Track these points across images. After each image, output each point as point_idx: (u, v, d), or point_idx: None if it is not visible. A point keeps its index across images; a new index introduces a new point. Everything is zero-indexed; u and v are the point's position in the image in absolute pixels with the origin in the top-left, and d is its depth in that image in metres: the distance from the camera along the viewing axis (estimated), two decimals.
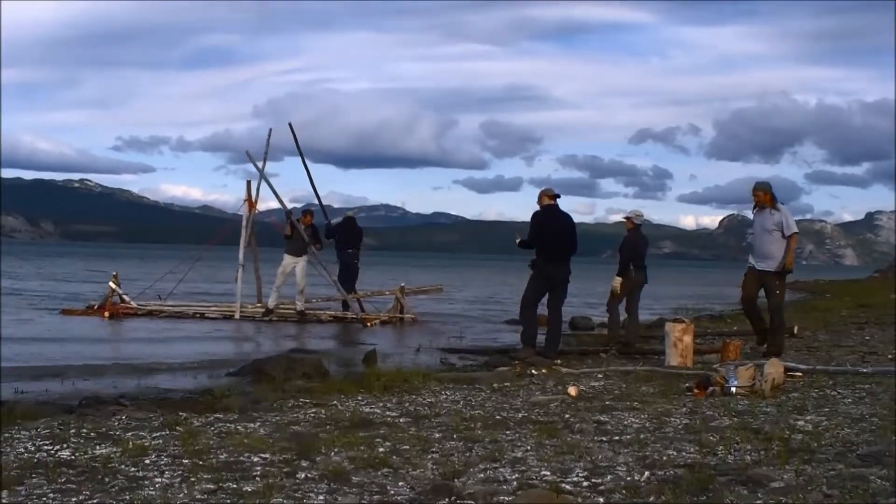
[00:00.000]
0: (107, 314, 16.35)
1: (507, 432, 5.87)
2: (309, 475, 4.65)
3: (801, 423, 6.08)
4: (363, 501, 4.20)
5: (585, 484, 4.49)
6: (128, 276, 22.86)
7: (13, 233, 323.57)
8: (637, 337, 12.16)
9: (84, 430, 5.77)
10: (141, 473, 4.64)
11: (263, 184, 17.54)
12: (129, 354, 11.25)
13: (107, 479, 4.50)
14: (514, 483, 4.51)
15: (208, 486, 4.40)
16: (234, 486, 4.41)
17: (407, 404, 7.11)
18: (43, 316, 16.74)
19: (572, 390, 7.65)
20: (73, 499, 4.17)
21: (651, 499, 4.20)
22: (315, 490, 4.36)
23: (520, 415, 6.62)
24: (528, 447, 5.37)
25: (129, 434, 5.67)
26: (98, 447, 5.25)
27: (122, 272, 18.39)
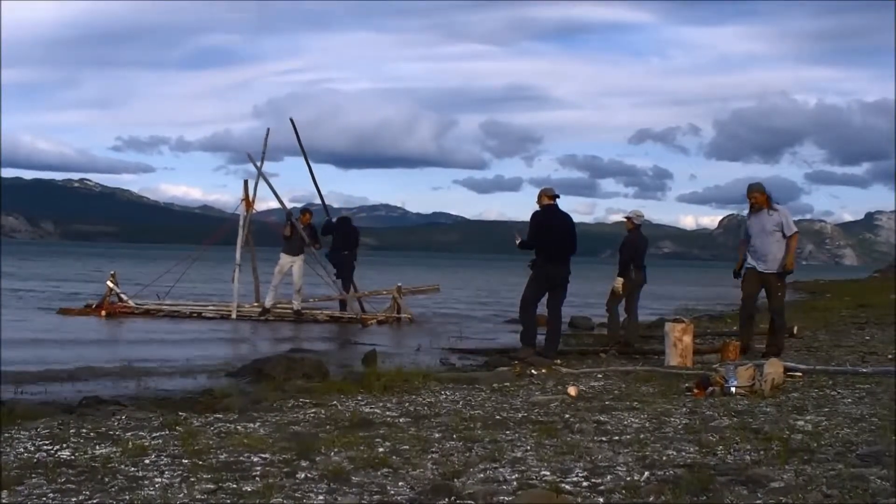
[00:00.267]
0: (103, 313, 16.37)
1: (507, 432, 5.87)
2: (309, 475, 4.65)
3: (800, 423, 6.08)
4: (363, 501, 4.21)
5: (585, 484, 4.49)
6: (127, 276, 22.87)
7: (13, 233, 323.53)
8: (637, 337, 12.16)
9: (84, 430, 5.77)
10: (141, 473, 4.64)
11: (263, 184, 17.59)
12: (128, 355, 11.23)
13: (106, 479, 4.50)
14: (514, 483, 4.52)
15: (208, 486, 4.40)
16: (234, 486, 4.41)
17: (407, 404, 7.11)
18: (41, 316, 16.73)
19: (572, 390, 7.65)
20: (73, 499, 4.17)
21: (651, 499, 4.20)
22: (315, 490, 4.36)
23: (520, 415, 6.62)
24: (528, 447, 5.37)
25: (129, 434, 5.67)
26: (98, 447, 5.25)
27: (121, 272, 18.41)
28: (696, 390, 7.58)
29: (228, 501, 4.18)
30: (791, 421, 6.15)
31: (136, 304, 17.12)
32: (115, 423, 6.05)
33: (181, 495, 4.24)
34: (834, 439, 5.49)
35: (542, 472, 4.73)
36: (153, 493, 4.27)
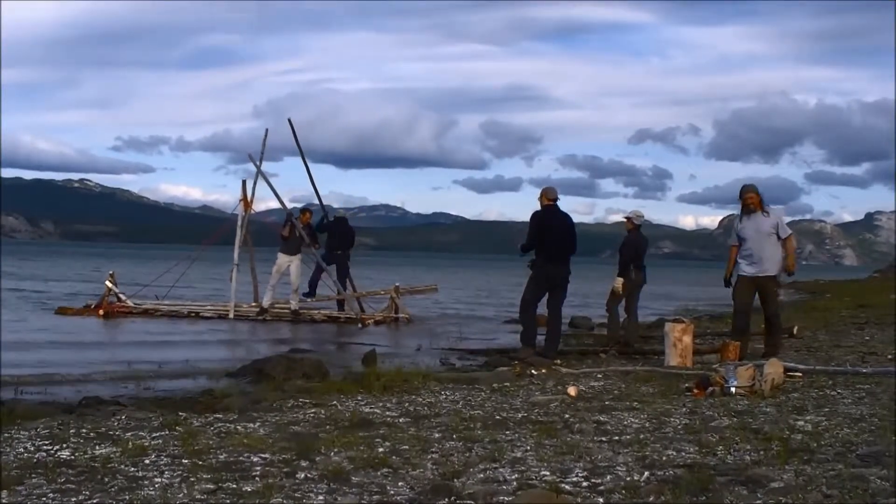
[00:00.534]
0: (101, 313, 16.40)
1: (507, 432, 5.87)
2: (309, 475, 4.65)
3: (800, 423, 6.08)
4: (363, 501, 4.21)
5: (585, 484, 4.49)
6: (127, 276, 22.89)
7: (13, 233, 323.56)
8: (636, 337, 12.17)
9: (84, 430, 5.77)
10: (141, 473, 4.64)
11: (263, 184, 17.60)
12: (127, 355, 11.24)
13: (106, 479, 4.50)
14: (514, 483, 4.52)
15: (208, 486, 4.40)
16: (234, 486, 4.41)
17: (407, 404, 7.11)
18: (40, 316, 16.71)
19: (572, 390, 7.65)
20: (73, 499, 4.17)
21: (651, 499, 4.20)
22: (315, 490, 4.36)
23: (519, 415, 6.62)
24: (528, 447, 5.37)
25: (129, 434, 5.67)
26: (98, 447, 5.25)
27: (121, 272, 18.42)
28: (696, 390, 7.58)
29: (228, 501, 4.18)
30: (791, 421, 6.15)
31: (135, 304, 17.14)
32: (115, 424, 6.05)
33: (181, 495, 4.24)
34: (834, 439, 5.49)
35: (542, 473, 4.73)
36: (153, 493, 4.27)
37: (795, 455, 5.02)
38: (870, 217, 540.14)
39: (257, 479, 4.55)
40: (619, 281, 11.74)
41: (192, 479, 4.52)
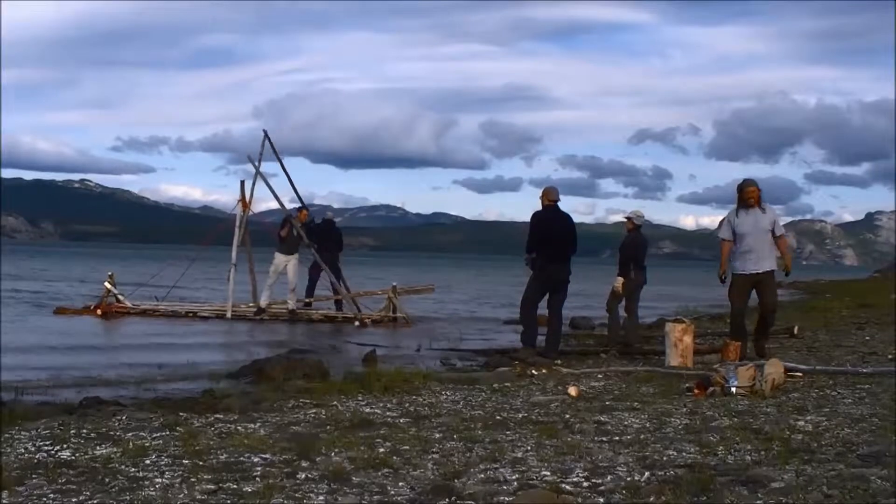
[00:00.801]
0: (99, 312, 16.42)
1: (508, 433, 5.87)
2: (309, 475, 4.65)
3: (801, 423, 6.08)
4: (363, 502, 4.21)
5: (585, 484, 4.50)
6: (127, 276, 22.88)
7: (13, 233, 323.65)
8: (637, 337, 12.17)
9: (84, 431, 5.77)
10: (141, 474, 4.64)
11: (264, 185, 17.60)
12: (127, 355, 11.25)
13: (107, 480, 4.51)
14: (515, 483, 4.52)
15: (208, 486, 4.41)
16: (235, 486, 4.42)
17: (407, 405, 7.11)
18: (38, 316, 16.71)
19: (572, 390, 7.65)
20: (74, 499, 4.17)
21: (651, 499, 4.20)
22: (315, 490, 4.36)
23: (520, 415, 6.62)
24: (529, 447, 5.38)
25: (130, 434, 5.67)
26: (98, 447, 5.26)
27: (121, 272, 18.41)
28: (696, 390, 7.58)
29: (229, 502, 4.18)
30: (791, 421, 6.15)
31: (133, 304, 17.16)
32: (116, 424, 6.05)
33: (181, 496, 4.24)
34: (834, 439, 5.49)
35: (543, 473, 4.73)
36: (153, 493, 4.28)
37: (796, 455, 5.02)
38: (870, 217, 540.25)
39: (258, 479, 4.55)
40: (620, 281, 11.75)
41: (192, 480, 4.52)
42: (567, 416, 6.57)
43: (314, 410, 6.78)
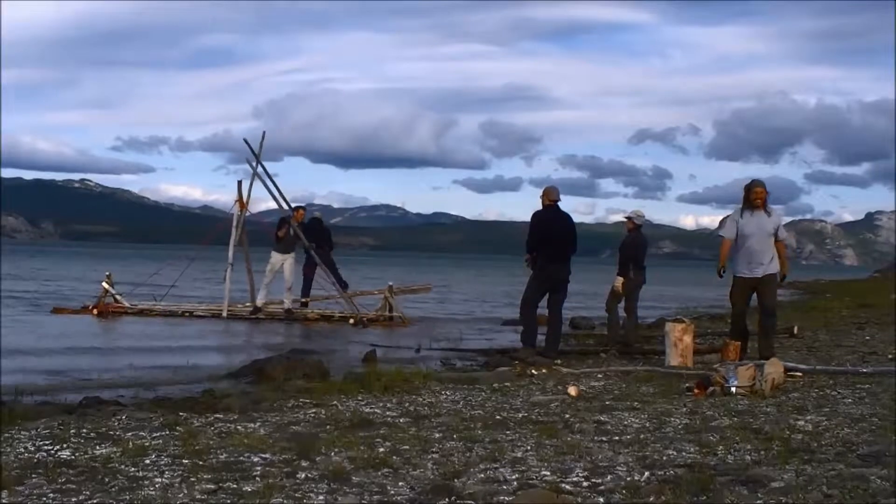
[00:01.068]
0: (95, 312, 16.43)
1: (507, 432, 5.87)
2: (309, 475, 4.65)
3: (801, 423, 6.08)
4: (363, 501, 4.21)
5: (585, 484, 4.50)
6: (127, 276, 22.88)
7: (13, 233, 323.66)
8: (636, 337, 12.17)
9: (84, 431, 5.77)
10: (141, 473, 4.64)
11: (263, 186, 17.58)
12: (126, 355, 11.24)
13: (107, 479, 4.50)
14: (514, 483, 4.52)
15: (208, 486, 4.40)
16: (234, 486, 4.42)
17: (407, 404, 7.11)
18: (35, 316, 16.70)
19: (572, 390, 7.65)
20: (73, 499, 4.17)
21: (651, 499, 4.20)
22: (315, 490, 4.36)
23: (520, 415, 6.62)
24: (528, 447, 5.38)
25: (129, 434, 5.67)
26: (98, 447, 5.25)
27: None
28: (696, 390, 7.58)
29: (229, 501, 4.18)
30: (791, 421, 6.15)
31: (131, 304, 17.18)
32: (116, 424, 6.05)
33: (181, 495, 4.24)
34: (834, 439, 5.49)
35: (543, 472, 4.73)
36: (153, 493, 4.28)
37: (796, 455, 5.02)
38: (870, 217, 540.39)
39: (258, 479, 4.55)
40: (620, 280, 11.75)
41: (192, 479, 4.52)
42: (567, 415, 6.57)
43: (314, 410, 6.78)
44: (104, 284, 17.10)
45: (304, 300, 17.90)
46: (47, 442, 5.38)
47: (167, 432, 5.76)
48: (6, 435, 5.54)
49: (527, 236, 10.86)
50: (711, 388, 7.54)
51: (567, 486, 4.45)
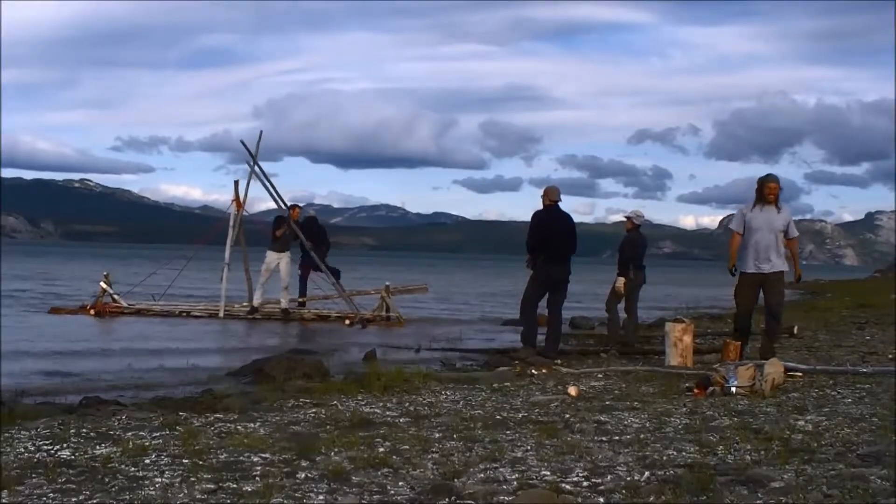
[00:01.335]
0: (92, 312, 16.43)
1: (507, 432, 5.87)
2: (309, 475, 4.65)
3: (801, 423, 6.08)
4: (363, 501, 4.21)
5: (585, 484, 4.50)
6: (126, 277, 22.86)
7: (13, 233, 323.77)
8: (636, 337, 12.17)
9: (84, 430, 5.77)
10: (141, 473, 4.64)
11: (262, 185, 17.58)
12: (126, 356, 11.23)
13: (107, 479, 4.50)
14: (514, 483, 4.52)
15: (208, 485, 4.40)
16: (234, 485, 4.42)
17: (407, 404, 7.11)
18: (32, 316, 16.69)
19: (572, 390, 7.65)
20: (73, 499, 4.17)
21: (651, 499, 4.20)
22: (315, 490, 4.36)
23: (520, 415, 6.62)
24: (528, 447, 5.38)
25: (129, 434, 5.67)
26: (98, 447, 5.25)
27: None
28: (696, 390, 7.58)
29: (229, 501, 4.18)
30: (791, 421, 6.15)
31: (128, 304, 17.18)
32: (116, 423, 6.05)
33: (181, 495, 4.24)
34: (834, 439, 5.49)
35: (543, 472, 4.73)
36: (153, 492, 4.28)
37: (796, 455, 5.02)
38: (870, 217, 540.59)
39: (258, 478, 4.55)
40: (620, 280, 11.76)
41: (192, 479, 4.52)
42: (567, 415, 6.57)
43: (314, 410, 6.78)
44: (102, 284, 17.11)
45: (300, 300, 17.89)
46: (47, 442, 5.38)
47: (167, 432, 5.75)
48: (6, 435, 5.54)
49: (527, 236, 10.86)
50: (711, 388, 7.54)
51: (567, 486, 4.45)
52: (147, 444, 5.35)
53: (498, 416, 6.53)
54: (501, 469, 4.81)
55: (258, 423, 6.15)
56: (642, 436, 5.71)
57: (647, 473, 4.67)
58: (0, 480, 4.37)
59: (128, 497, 4.20)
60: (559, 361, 10.25)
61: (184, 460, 4.93)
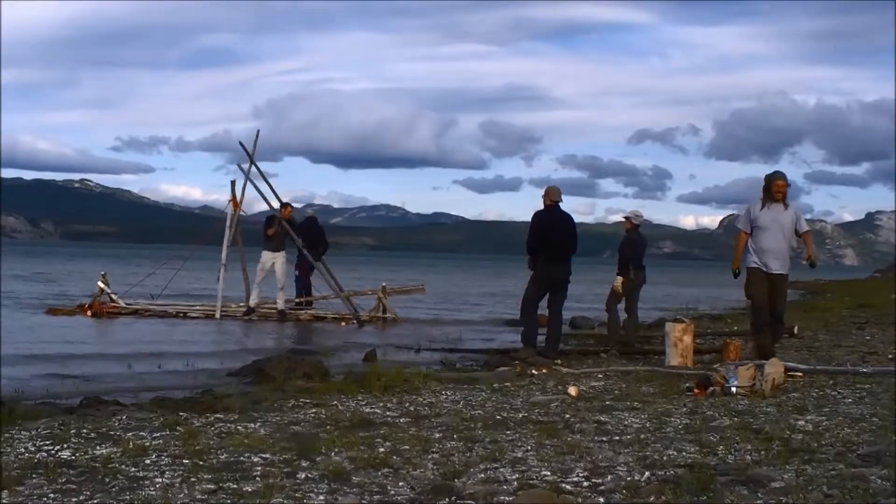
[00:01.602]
0: (89, 312, 16.43)
1: (508, 432, 5.87)
2: (309, 475, 4.65)
3: (801, 423, 6.08)
4: (363, 501, 4.21)
5: (586, 484, 4.50)
6: (126, 276, 22.87)
7: (13, 233, 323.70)
8: (636, 337, 12.17)
9: (84, 431, 5.77)
10: (141, 473, 4.64)
11: (252, 185, 17.58)
12: (126, 355, 11.23)
13: (107, 480, 4.51)
14: (515, 483, 4.52)
15: (209, 486, 4.41)
16: (235, 486, 4.42)
17: (407, 404, 7.11)
18: (29, 316, 16.68)
19: (572, 390, 7.65)
20: (74, 499, 4.17)
21: (651, 499, 4.20)
22: (315, 490, 4.37)
23: (520, 415, 6.62)
24: (529, 447, 5.38)
25: (130, 434, 5.67)
26: (98, 447, 5.26)
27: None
28: (696, 390, 7.58)
29: (229, 501, 4.18)
30: (792, 421, 6.15)
31: (126, 304, 17.18)
32: (116, 424, 6.06)
33: (182, 495, 4.24)
34: (834, 439, 5.50)
35: (543, 472, 4.73)
36: (154, 493, 4.28)
37: (796, 455, 5.02)
38: (870, 217, 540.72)
39: (258, 479, 4.55)
40: (619, 280, 11.76)
41: (192, 480, 4.52)
42: (567, 415, 6.57)
43: (314, 410, 6.78)
44: (100, 284, 17.10)
45: (301, 300, 17.86)
46: (47, 442, 5.38)
47: (167, 432, 5.76)
48: (6, 435, 5.54)
49: (527, 236, 10.86)
50: (711, 388, 7.54)
51: (567, 486, 4.45)
52: (147, 444, 5.35)
53: (498, 417, 6.53)
54: (502, 469, 4.81)
55: (258, 424, 6.16)
56: (642, 436, 5.71)
57: (647, 473, 4.67)
58: (0, 480, 4.38)
59: (128, 497, 4.21)
60: (559, 361, 10.26)
61: (184, 460, 4.93)
